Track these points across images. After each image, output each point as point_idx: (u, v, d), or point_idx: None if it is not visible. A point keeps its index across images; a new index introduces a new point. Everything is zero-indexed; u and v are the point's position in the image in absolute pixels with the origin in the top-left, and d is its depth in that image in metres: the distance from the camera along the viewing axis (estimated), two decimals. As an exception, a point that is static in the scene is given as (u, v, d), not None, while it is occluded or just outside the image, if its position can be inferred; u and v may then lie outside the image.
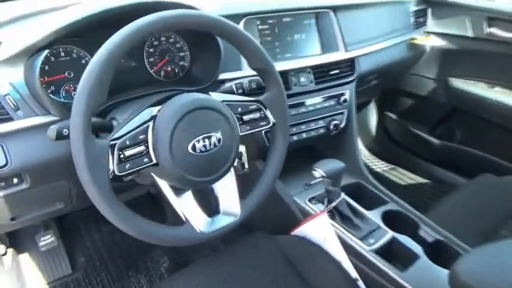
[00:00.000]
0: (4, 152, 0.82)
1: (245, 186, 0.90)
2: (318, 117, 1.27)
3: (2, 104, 0.81)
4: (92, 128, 0.77)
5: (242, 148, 1.03)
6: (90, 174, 0.66)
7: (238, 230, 0.88)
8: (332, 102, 1.29)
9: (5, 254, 1.16)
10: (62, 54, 0.94)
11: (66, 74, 0.95)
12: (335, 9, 1.28)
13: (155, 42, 1.07)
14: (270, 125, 0.88)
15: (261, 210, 0.88)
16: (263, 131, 0.93)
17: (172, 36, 1.09)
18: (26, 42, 0.81)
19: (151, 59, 1.07)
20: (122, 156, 0.69)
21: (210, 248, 1.52)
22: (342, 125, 1.32)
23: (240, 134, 0.84)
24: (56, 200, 1.02)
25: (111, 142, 0.69)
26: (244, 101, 0.85)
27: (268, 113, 0.87)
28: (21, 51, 0.81)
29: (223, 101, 0.82)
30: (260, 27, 1.16)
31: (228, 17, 0.83)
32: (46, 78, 0.93)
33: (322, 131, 1.29)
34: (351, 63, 1.32)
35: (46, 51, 0.83)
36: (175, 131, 0.73)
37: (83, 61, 0.97)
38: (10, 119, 0.82)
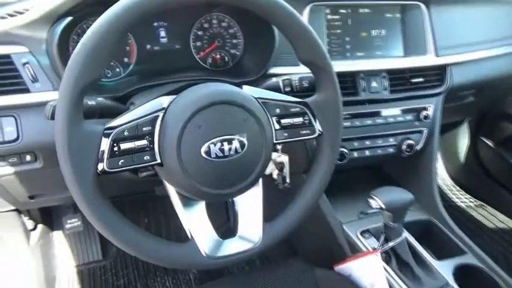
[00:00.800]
0: (17, 125, 0.75)
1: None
2: (388, 132, 1.04)
3: (20, 73, 0.74)
4: (104, 111, 0.65)
5: (285, 158, 0.86)
6: (70, 165, 0.54)
7: (279, 248, 0.72)
8: (409, 116, 1.05)
9: (34, 229, 1.13)
10: (100, 27, 0.85)
11: None
12: (428, 2, 1.03)
13: (205, 25, 0.94)
14: (315, 135, 0.69)
15: (305, 233, 0.70)
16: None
17: (226, 19, 0.95)
18: (47, 7, 0.72)
19: (198, 43, 0.94)
20: (116, 149, 0.56)
21: (245, 262, 1.36)
22: (418, 147, 1.07)
23: (275, 141, 0.67)
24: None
25: (106, 131, 0.56)
26: (286, 101, 0.67)
27: (314, 119, 0.68)
28: (42, 17, 0.73)
29: (258, 98, 0.65)
30: (329, 17, 0.97)
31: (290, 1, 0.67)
32: (79, 51, 0.84)
33: (391, 150, 1.06)
34: (440, 71, 1.06)
35: (68, 19, 0.73)
36: (186, 127, 0.58)
37: (122, 37, 0.87)
38: (26, 91, 0.74)
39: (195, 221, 0.65)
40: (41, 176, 0.85)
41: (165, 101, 0.61)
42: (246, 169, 0.63)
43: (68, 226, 1.13)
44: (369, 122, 1.01)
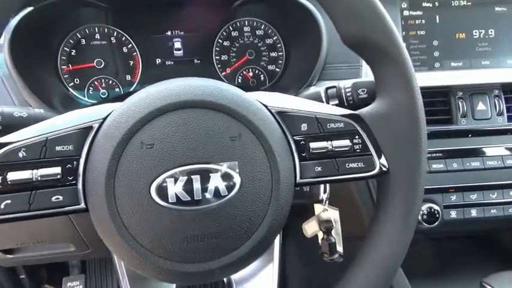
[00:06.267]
0: None
1: None
2: (507, 182, 0.67)
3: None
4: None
5: (334, 214, 0.55)
6: None
7: None
8: (544, 159, 0.67)
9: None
10: (97, 36, 0.68)
11: (95, 63, 0.67)
12: None
13: (234, 33, 0.72)
14: (375, 171, 0.38)
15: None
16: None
17: (262, 26, 0.72)
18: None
19: (223, 57, 0.72)
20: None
21: None
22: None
23: (299, 180, 0.37)
24: (62, 239, 0.72)
25: None
26: (321, 113, 0.39)
27: (373, 144, 0.38)
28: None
29: (272, 107, 0.38)
30: (407, 13, 0.68)
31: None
32: (71, 66, 0.67)
33: (512, 211, 0.68)
34: None
35: (28, 10, 0.55)
36: (128, 146, 0.33)
37: (124, 49, 0.69)
38: None
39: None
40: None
41: (109, 107, 0.36)
42: (238, 229, 0.34)
43: (66, 292, 0.90)
44: (475, 164, 0.65)
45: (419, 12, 0.68)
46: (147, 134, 0.33)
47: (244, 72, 0.73)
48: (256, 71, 0.73)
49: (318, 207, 0.56)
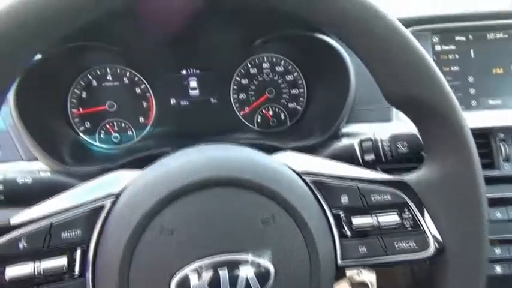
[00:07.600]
0: None
1: None
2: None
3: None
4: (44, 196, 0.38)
5: (370, 277, 0.49)
6: None
7: None
8: None
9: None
10: (109, 77, 0.64)
11: (106, 105, 0.63)
12: None
13: (252, 70, 0.68)
14: (430, 252, 0.33)
15: None
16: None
17: (282, 62, 0.68)
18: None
19: (241, 96, 0.68)
20: None
21: None
22: None
23: (340, 263, 0.32)
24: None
25: None
26: (364, 180, 0.34)
27: (424, 218, 0.33)
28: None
29: (305, 173, 0.33)
30: (439, 48, 0.63)
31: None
32: (81, 109, 0.63)
33: None
34: None
35: (36, 58, 0.52)
36: (145, 233, 0.28)
37: (137, 89, 0.65)
38: None
39: None
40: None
41: (122, 180, 0.32)
42: None
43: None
44: (521, 213, 0.59)
45: (452, 47, 0.63)
46: (167, 218, 0.28)
47: (263, 111, 0.68)
48: (277, 110, 0.68)
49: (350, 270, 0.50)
